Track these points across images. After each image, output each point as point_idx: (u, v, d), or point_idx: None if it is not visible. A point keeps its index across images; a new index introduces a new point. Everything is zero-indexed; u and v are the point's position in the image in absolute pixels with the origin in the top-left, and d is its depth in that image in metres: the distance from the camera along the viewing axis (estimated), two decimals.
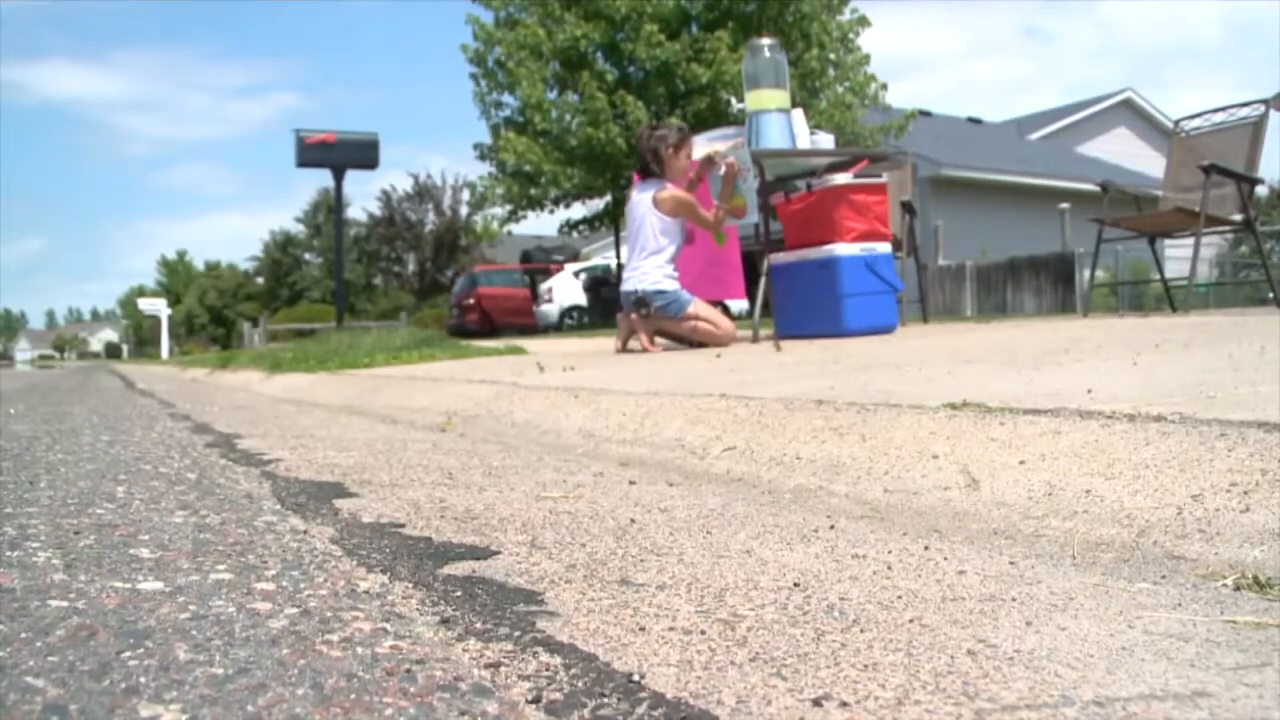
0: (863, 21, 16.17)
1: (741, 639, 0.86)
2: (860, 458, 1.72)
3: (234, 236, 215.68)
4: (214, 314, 48.48)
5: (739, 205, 4.88)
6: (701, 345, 5.05)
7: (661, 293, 4.99)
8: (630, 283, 5.10)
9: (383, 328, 13.33)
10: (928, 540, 1.27)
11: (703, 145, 5.33)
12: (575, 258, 22.13)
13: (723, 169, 4.97)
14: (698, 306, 5.00)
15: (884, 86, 16.12)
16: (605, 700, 0.73)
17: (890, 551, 1.21)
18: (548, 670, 0.79)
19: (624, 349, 5.20)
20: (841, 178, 4.70)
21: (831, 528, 1.36)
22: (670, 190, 5.02)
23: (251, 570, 1.13)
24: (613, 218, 16.60)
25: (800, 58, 14.92)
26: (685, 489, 1.74)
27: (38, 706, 0.70)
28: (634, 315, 5.13)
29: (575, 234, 18.63)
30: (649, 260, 5.05)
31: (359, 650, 0.83)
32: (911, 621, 0.91)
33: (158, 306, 46.13)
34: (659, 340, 5.23)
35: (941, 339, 4.13)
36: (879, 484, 1.60)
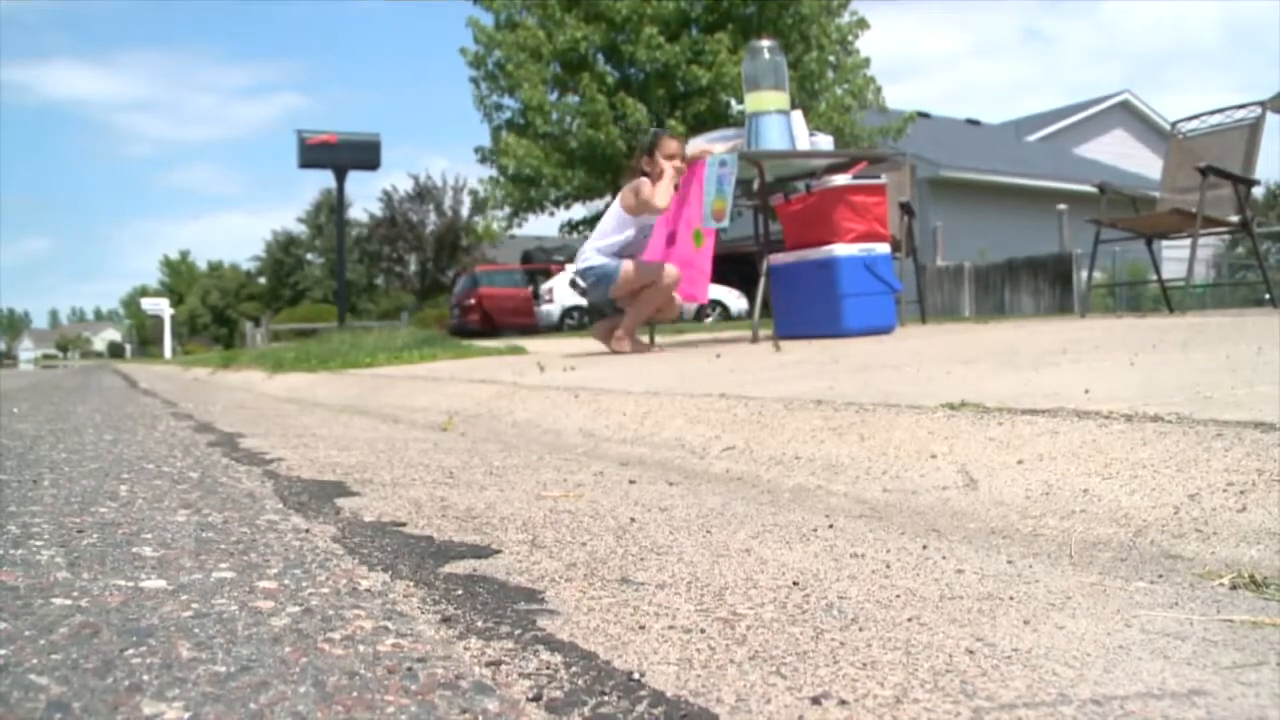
0: (862, 24, 16.19)
1: (741, 637, 0.87)
2: (859, 457, 1.72)
3: (236, 237, 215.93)
4: (216, 314, 48.50)
5: (719, 208, 4.88)
6: (661, 312, 5.10)
7: (590, 269, 5.05)
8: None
9: (384, 328, 13.33)
10: (926, 539, 1.28)
11: (703, 147, 5.32)
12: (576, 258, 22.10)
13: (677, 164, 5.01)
14: (628, 269, 4.99)
15: (879, 90, 16.15)
16: (605, 698, 0.73)
17: (889, 550, 1.21)
18: (548, 668, 0.80)
19: (612, 350, 5.18)
20: (840, 179, 4.70)
21: (830, 527, 1.37)
22: (629, 185, 5.06)
23: (254, 569, 1.14)
24: None
25: (799, 60, 14.93)
26: (685, 488, 1.74)
27: (41, 704, 0.70)
28: (599, 325, 5.23)
29: (576, 235, 18.62)
30: (588, 244, 5.15)
31: (360, 648, 0.84)
32: (910, 620, 0.92)
33: (160, 306, 46.25)
34: (658, 340, 5.24)
35: (940, 339, 4.14)
36: (878, 483, 1.61)
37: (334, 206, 28.46)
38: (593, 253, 5.07)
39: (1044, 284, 12.77)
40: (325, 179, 46.86)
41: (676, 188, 5.05)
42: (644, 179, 4.99)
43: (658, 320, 5.37)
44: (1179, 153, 5.64)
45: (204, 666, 0.79)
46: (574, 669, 0.79)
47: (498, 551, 1.23)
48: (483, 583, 1.08)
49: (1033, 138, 26.41)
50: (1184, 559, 1.12)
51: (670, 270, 5.03)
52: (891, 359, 3.07)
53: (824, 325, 4.59)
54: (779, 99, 5.05)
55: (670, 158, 5.01)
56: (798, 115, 5.13)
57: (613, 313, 5.25)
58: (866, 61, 16.24)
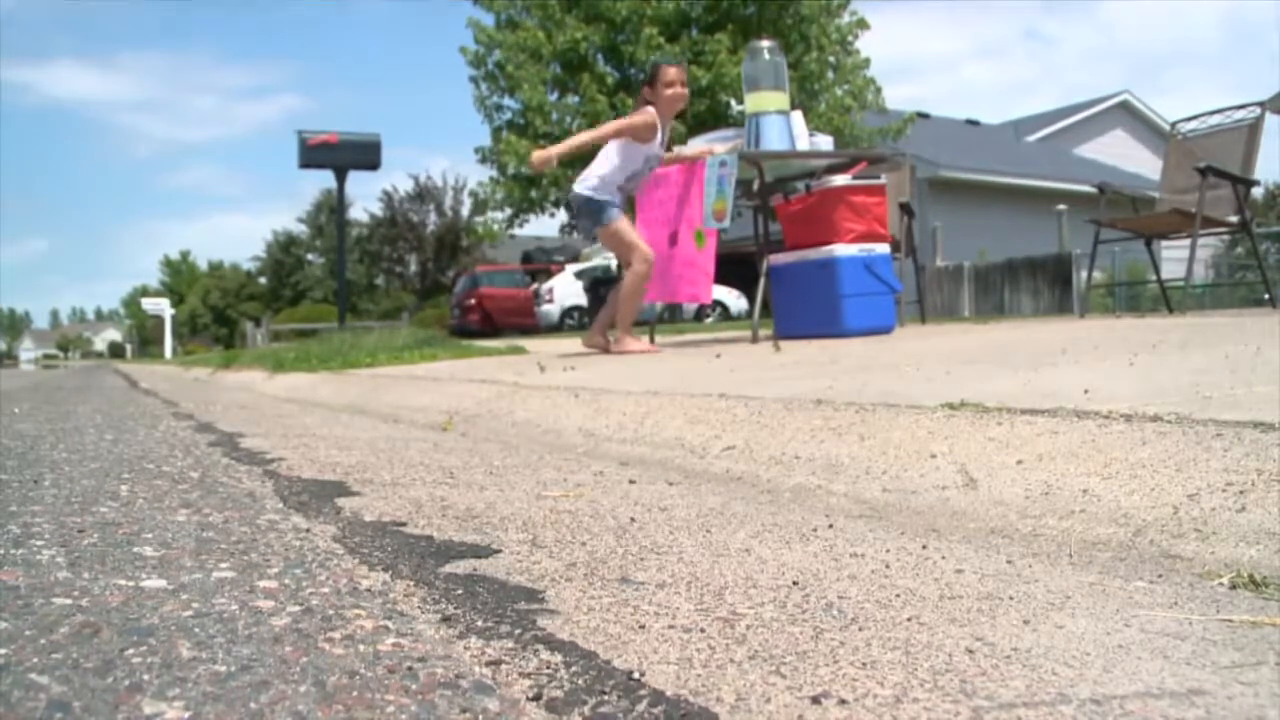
0: (861, 24, 16.20)
1: (741, 637, 0.87)
2: (859, 457, 1.72)
3: (237, 237, 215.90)
4: (217, 314, 48.50)
5: (720, 208, 4.87)
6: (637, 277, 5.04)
7: (589, 200, 4.99)
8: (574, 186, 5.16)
9: (385, 328, 13.32)
10: (926, 539, 1.28)
11: (703, 147, 5.32)
12: (576, 258, 22.14)
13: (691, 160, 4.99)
14: (616, 229, 4.94)
15: (879, 90, 16.16)
16: (605, 698, 0.73)
17: (888, 550, 1.21)
18: (548, 668, 0.80)
19: (611, 351, 5.11)
20: (840, 179, 4.70)
21: (830, 527, 1.37)
22: (632, 114, 5.03)
23: (254, 568, 1.14)
24: None
25: (799, 60, 14.94)
26: (685, 488, 1.74)
27: (42, 703, 0.70)
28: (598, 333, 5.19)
29: (576, 235, 18.63)
30: (593, 168, 5.05)
31: (361, 648, 0.84)
32: (909, 620, 0.92)
33: (161, 306, 46.33)
34: (658, 340, 5.23)
35: (939, 339, 4.14)
36: (877, 483, 1.61)
37: (334, 207, 28.45)
38: (597, 180, 4.97)
39: (1043, 284, 12.78)
40: (326, 179, 46.78)
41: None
42: (648, 108, 4.95)
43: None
44: (1178, 153, 5.64)
45: (204, 666, 0.79)
46: (574, 668, 0.79)
47: (498, 551, 1.23)
48: (483, 582, 1.08)
49: (1032, 138, 26.41)
50: (1183, 559, 1.12)
51: (646, 254, 4.95)
52: (891, 359, 3.07)
53: (824, 325, 4.59)
54: (779, 99, 5.05)
55: (669, 85, 4.94)
56: (797, 116, 5.13)
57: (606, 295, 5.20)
58: (866, 62, 16.25)
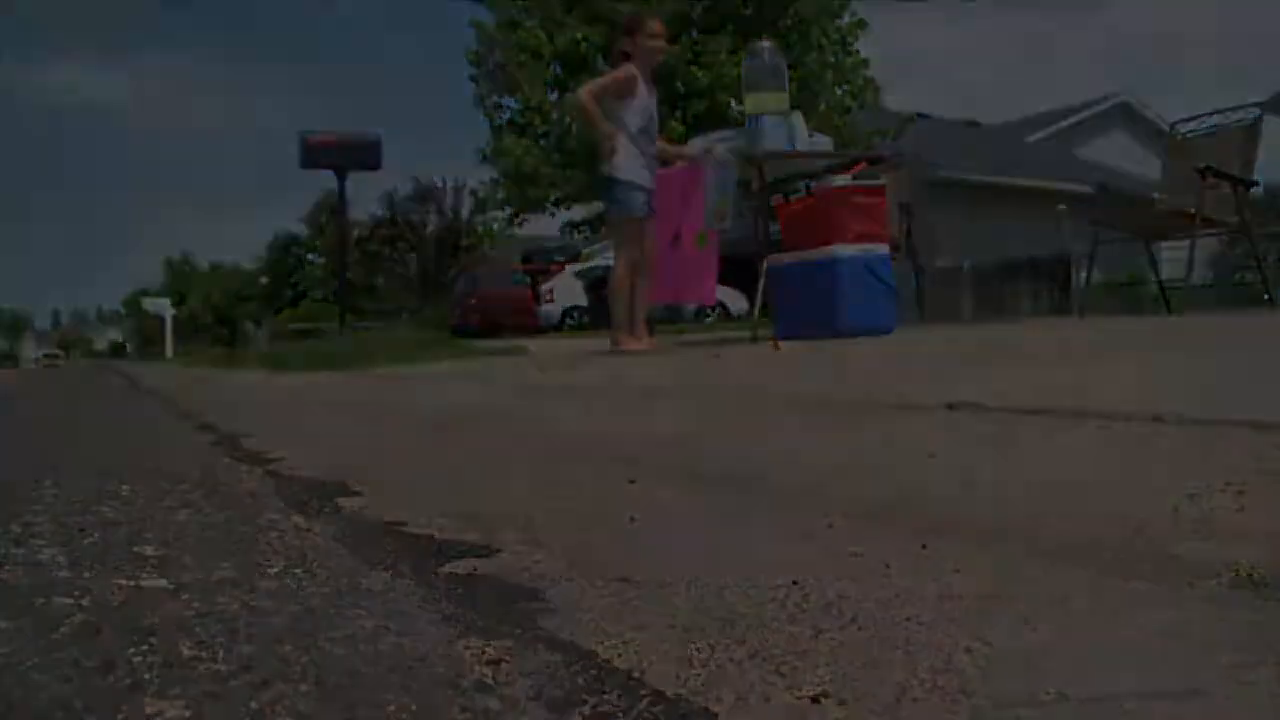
0: (860, 25, 16.22)
1: (740, 637, 0.87)
2: (859, 457, 1.72)
3: (238, 237, 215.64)
4: (218, 314, 48.53)
5: (722, 209, 4.86)
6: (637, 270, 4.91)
7: (610, 180, 4.81)
8: None
9: (385, 328, 13.33)
10: (926, 539, 1.28)
11: (703, 147, 5.32)
12: (576, 258, 22.13)
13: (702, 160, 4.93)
14: (625, 223, 4.80)
15: (878, 90, 16.19)
16: (606, 697, 0.73)
17: (888, 550, 1.21)
18: (549, 667, 0.80)
19: (614, 350, 5.04)
20: (840, 180, 4.70)
21: (830, 526, 1.37)
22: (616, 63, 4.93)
23: (255, 568, 1.14)
24: None
25: (799, 60, 14.95)
26: (685, 488, 1.74)
27: (43, 703, 0.71)
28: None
29: (577, 235, 18.64)
30: (629, 151, 4.84)
31: (361, 647, 0.84)
32: (909, 620, 0.92)
33: (162, 306, 46.39)
34: (658, 340, 5.21)
35: (939, 340, 4.14)
36: (877, 483, 1.61)
37: (334, 207, 28.45)
38: (614, 159, 4.74)
39: (1043, 285, 12.78)
40: (327, 179, 46.76)
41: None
42: (626, 64, 4.83)
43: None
44: (1178, 154, 5.64)
45: (205, 665, 0.79)
46: (574, 668, 0.79)
47: (498, 550, 1.24)
48: (483, 582, 1.08)
49: (1032, 138, 26.39)
50: (1183, 559, 1.12)
51: (631, 258, 4.85)
52: (890, 359, 3.08)
53: (823, 326, 4.59)
54: (779, 100, 5.05)
55: (653, 36, 4.82)
56: (797, 116, 5.14)
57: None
58: (865, 62, 16.27)
